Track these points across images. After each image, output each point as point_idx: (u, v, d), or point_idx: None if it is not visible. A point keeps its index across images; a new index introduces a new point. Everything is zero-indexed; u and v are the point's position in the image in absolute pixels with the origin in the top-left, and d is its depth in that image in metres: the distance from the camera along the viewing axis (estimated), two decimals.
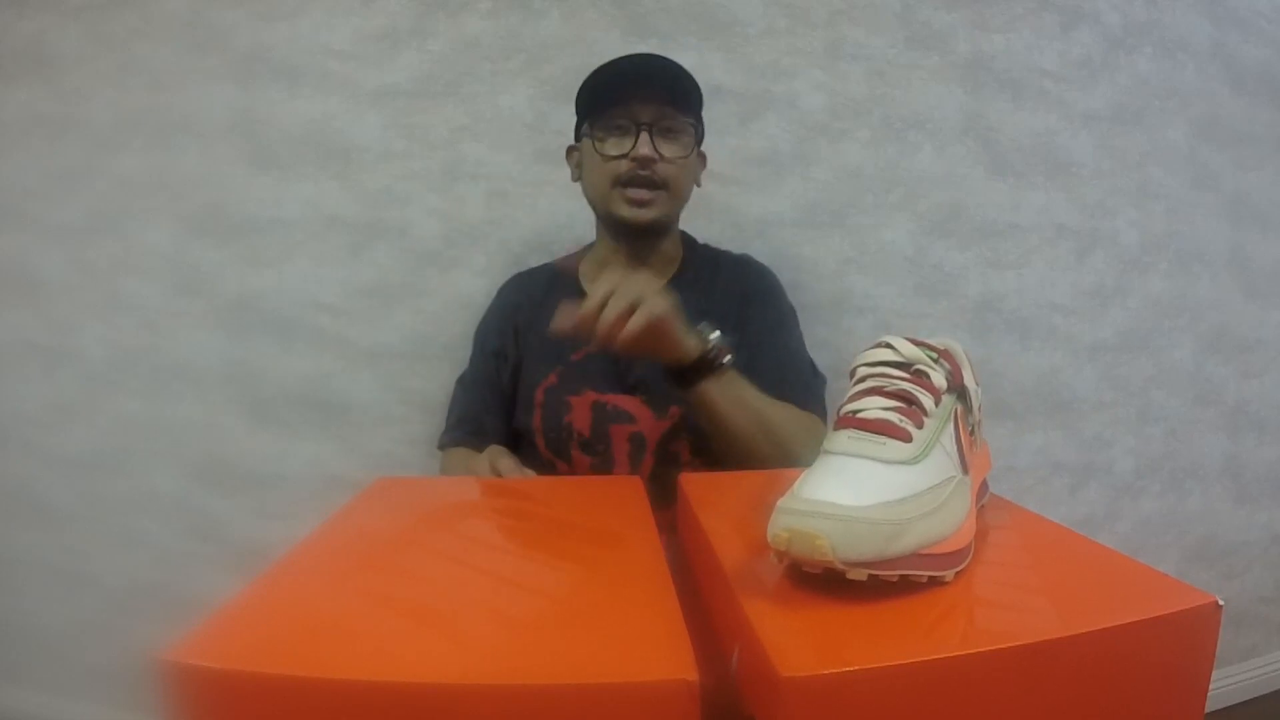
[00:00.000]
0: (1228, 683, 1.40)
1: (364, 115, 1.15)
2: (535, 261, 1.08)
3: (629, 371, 0.86)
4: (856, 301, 1.21)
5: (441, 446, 0.98)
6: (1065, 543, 0.44)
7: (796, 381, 0.86)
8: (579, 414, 0.85)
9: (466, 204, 1.16)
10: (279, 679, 0.28)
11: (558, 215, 1.16)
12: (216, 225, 1.17)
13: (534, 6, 1.14)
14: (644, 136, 0.83)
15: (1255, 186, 1.34)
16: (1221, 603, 0.34)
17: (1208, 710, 0.35)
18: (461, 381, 1.00)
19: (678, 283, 0.90)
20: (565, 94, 1.14)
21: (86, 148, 1.17)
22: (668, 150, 0.84)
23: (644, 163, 0.83)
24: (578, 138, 0.92)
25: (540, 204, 1.16)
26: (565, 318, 0.65)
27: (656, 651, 0.29)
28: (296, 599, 0.35)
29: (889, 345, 0.44)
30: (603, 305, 0.63)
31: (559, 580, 0.39)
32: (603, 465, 0.84)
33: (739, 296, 0.91)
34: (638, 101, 0.84)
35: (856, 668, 0.29)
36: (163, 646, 0.29)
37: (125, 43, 1.15)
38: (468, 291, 1.16)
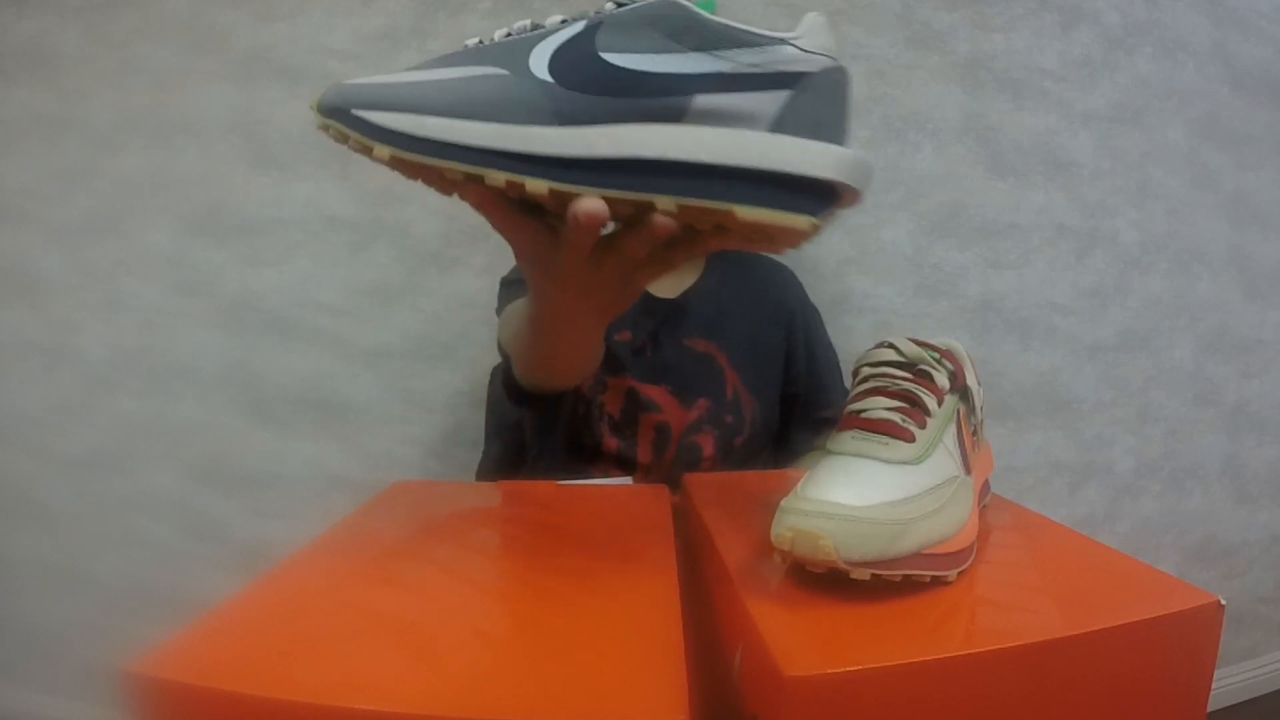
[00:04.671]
0: (1228, 683, 1.40)
1: None
2: None
3: (660, 361, 0.86)
4: (856, 301, 1.21)
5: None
6: (1067, 542, 0.44)
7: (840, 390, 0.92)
8: (612, 396, 0.85)
9: (466, 204, 1.16)
10: (242, 698, 0.27)
11: None
12: (216, 225, 1.17)
13: (534, 6, 1.14)
14: None
15: (1255, 186, 1.34)
16: (1223, 602, 0.34)
17: (1208, 710, 0.35)
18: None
19: (707, 281, 0.90)
20: None
21: (86, 148, 1.17)
22: None
23: None
24: None
25: None
26: None
27: (648, 694, 0.28)
28: (281, 611, 0.35)
29: (892, 345, 0.44)
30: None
31: (560, 603, 0.37)
32: (628, 450, 0.84)
33: (777, 302, 0.93)
34: None
35: (860, 667, 0.29)
36: (132, 656, 0.29)
37: (125, 43, 1.15)
38: (468, 291, 1.16)
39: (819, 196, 0.33)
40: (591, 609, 0.36)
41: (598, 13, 0.34)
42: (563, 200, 0.33)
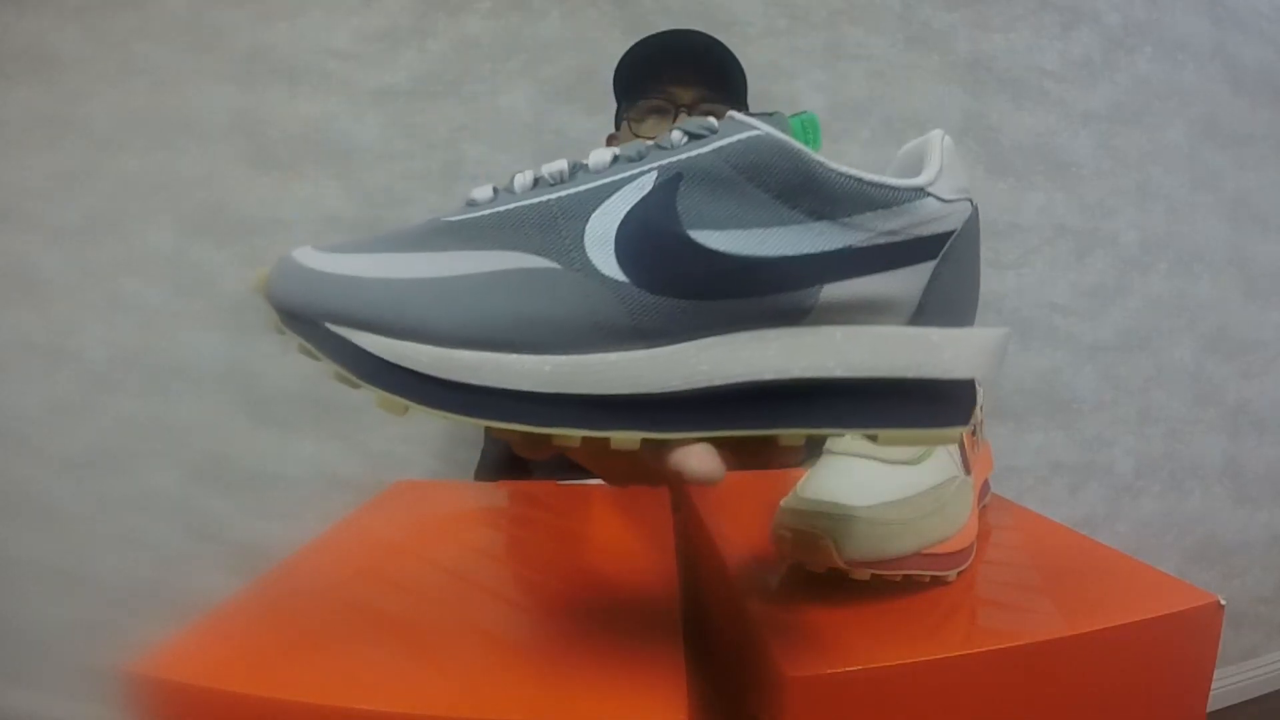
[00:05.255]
0: (1228, 683, 1.40)
1: (364, 115, 1.15)
2: None
3: None
4: None
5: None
6: (1067, 542, 0.44)
7: None
8: None
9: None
10: (242, 698, 0.27)
11: None
12: (216, 225, 1.17)
13: (534, 6, 1.14)
14: (683, 118, 0.77)
15: (1255, 186, 1.34)
16: (1223, 602, 0.34)
17: (1207, 710, 0.35)
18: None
19: None
20: (565, 94, 1.14)
21: (86, 148, 1.17)
22: None
23: None
24: (617, 125, 0.89)
25: None
26: None
27: (648, 694, 0.28)
28: (281, 611, 0.35)
29: None
30: None
31: (560, 603, 0.38)
32: (633, 464, 0.82)
33: None
34: (674, 82, 0.80)
35: (860, 667, 0.29)
36: (132, 656, 0.29)
37: (125, 43, 1.15)
38: None
39: (969, 397, 0.25)
40: (591, 609, 0.36)
41: (662, 147, 0.24)
42: (658, 448, 0.24)
